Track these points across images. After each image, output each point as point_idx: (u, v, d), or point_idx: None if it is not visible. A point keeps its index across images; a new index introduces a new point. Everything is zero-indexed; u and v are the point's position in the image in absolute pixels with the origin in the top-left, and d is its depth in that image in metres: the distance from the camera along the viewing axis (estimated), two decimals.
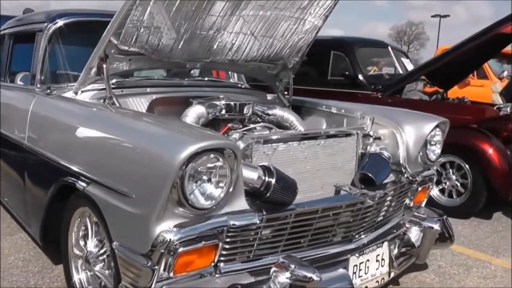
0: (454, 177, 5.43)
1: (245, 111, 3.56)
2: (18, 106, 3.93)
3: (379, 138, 3.42)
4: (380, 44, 7.18)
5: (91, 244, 2.93)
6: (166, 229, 2.23)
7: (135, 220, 2.35)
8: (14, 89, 4.24)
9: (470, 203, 5.38)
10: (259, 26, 3.72)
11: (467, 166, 5.30)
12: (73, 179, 2.84)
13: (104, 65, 3.24)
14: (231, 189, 2.35)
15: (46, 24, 3.95)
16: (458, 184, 5.43)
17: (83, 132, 2.94)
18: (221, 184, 2.31)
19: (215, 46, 3.66)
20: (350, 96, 6.30)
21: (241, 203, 2.45)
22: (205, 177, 2.27)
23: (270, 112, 3.65)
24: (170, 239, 2.20)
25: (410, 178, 3.34)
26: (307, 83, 7.00)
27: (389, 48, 6.95)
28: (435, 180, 3.64)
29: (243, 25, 3.65)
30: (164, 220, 2.24)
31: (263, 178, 2.49)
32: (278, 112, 3.68)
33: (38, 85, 3.80)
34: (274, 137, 2.84)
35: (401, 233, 3.34)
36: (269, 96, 4.51)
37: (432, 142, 3.49)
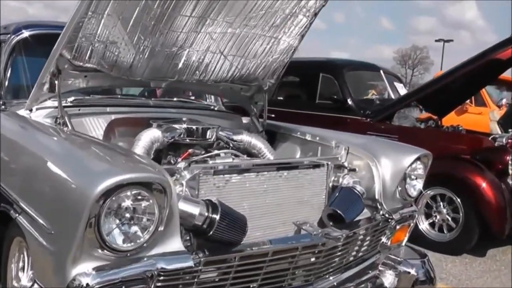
0: (445, 211, 5.08)
1: (208, 135, 3.25)
2: None
3: (353, 170, 3.11)
4: (371, 67, 6.87)
5: (25, 279, 2.62)
6: (84, 271, 1.93)
7: (53, 259, 2.06)
8: None
9: (462, 239, 5.02)
10: (229, 44, 3.44)
11: (458, 199, 4.96)
12: (7, 206, 2.54)
13: (56, 82, 2.96)
14: (161, 228, 2.04)
15: (9, 35, 3.72)
16: (449, 219, 5.08)
17: (18, 154, 2.65)
18: (147, 223, 2.00)
19: (180, 65, 3.38)
20: (338, 121, 6.04)
21: (175, 244, 2.13)
22: (127, 215, 1.97)
23: (235, 137, 3.34)
24: (86, 284, 1.90)
25: (386, 215, 3.01)
26: (295, 106, 6.77)
27: (381, 71, 6.64)
28: (416, 218, 3.29)
29: (210, 43, 3.37)
30: (81, 261, 1.94)
31: (206, 214, 2.19)
32: (245, 138, 3.37)
33: None
34: (226, 168, 2.53)
35: (374, 276, 3.00)
36: (245, 120, 4.21)
37: (412, 176, 3.16)
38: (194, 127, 3.21)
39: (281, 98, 7.29)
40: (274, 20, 3.42)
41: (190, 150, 3.13)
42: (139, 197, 1.96)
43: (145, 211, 1.99)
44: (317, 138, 3.50)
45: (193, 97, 4.42)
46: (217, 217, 2.18)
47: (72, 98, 3.31)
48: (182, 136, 3.15)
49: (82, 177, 1.99)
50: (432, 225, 5.22)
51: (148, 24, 2.99)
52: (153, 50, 3.16)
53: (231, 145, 3.35)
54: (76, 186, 1.95)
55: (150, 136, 2.96)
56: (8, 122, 3.12)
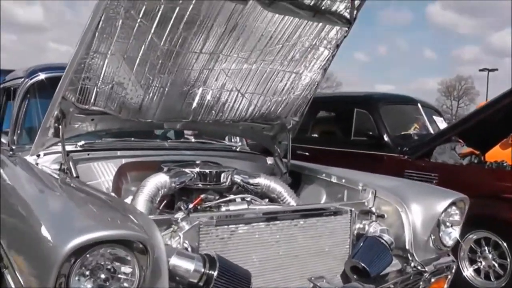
0: (490, 256, 4.62)
1: (222, 179, 3.02)
2: None
3: (381, 216, 2.82)
4: (408, 101, 6.50)
5: None
6: None
7: None
8: None
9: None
10: (246, 81, 3.25)
11: (505, 244, 4.50)
12: None
13: (60, 126, 2.82)
14: None
15: (23, 79, 3.67)
16: (496, 265, 4.61)
17: (13, 202, 2.47)
18: (125, 285, 1.76)
19: (194, 104, 3.19)
20: (374, 158, 5.72)
21: None
22: (102, 276, 1.74)
23: (252, 181, 3.10)
24: None
25: (419, 267, 2.69)
26: (330, 143, 6.49)
27: (419, 104, 6.28)
28: (454, 269, 2.93)
29: (225, 80, 3.18)
30: None
31: (202, 270, 1.97)
32: (263, 181, 3.12)
33: (8, 145, 3.45)
34: (230, 217, 2.29)
35: None
36: (270, 160, 3.96)
37: (447, 223, 2.83)
38: (207, 170, 2.98)
39: (316, 135, 7.02)
40: (293, 54, 3.21)
41: (202, 196, 2.90)
42: (117, 257, 1.73)
43: (124, 272, 1.76)
44: (343, 180, 3.22)
45: (213, 138, 4.20)
46: (215, 273, 1.96)
47: (82, 142, 3.19)
48: (193, 180, 2.94)
49: (58, 232, 1.79)
50: (477, 271, 4.74)
51: (156, 63, 2.83)
52: (163, 89, 2.99)
53: (248, 189, 3.11)
54: (50, 242, 1.74)
55: (156, 181, 2.75)
56: (9, 168, 2.99)
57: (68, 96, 2.74)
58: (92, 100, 2.83)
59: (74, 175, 2.83)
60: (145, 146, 3.44)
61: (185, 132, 4.23)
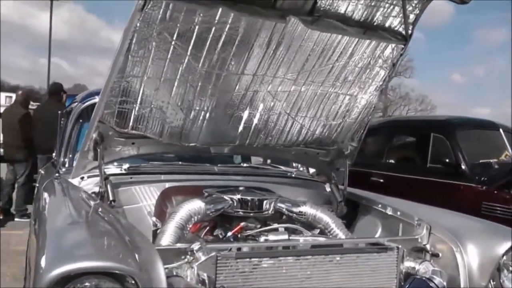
0: None
1: (264, 207, 2.85)
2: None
3: (436, 255, 2.53)
4: (488, 126, 6.00)
5: None
6: None
7: None
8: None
9: None
10: (295, 104, 3.08)
11: None
12: None
13: (99, 149, 2.79)
14: None
15: (77, 103, 3.77)
16: None
17: (40, 221, 2.45)
18: None
19: (240, 128, 3.06)
20: (450, 188, 5.30)
21: None
22: None
23: (295, 209, 2.90)
24: None
25: None
26: (406, 170, 6.12)
27: (501, 130, 5.76)
28: None
29: (274, 103, 3.03)
30: None
31: None
32: (308, 210, 2.91)
33: (57, 167, 3.53)
34: (253, 250, 2.11)
35: None
36: (328, 188, 3.74)
37: (511, 268, 2.47)
38: (248, 197, 2.83)
39: (392, 161, 6.67)
40: (345, 75, 3.00)
41: (242, 224, 2.76)
42: None
43: None
44: (398, 213, 2.95)
45: (268, 162, 4.05)
46: None
47: (126, 166, 3.16)
48: (233, 207, 2.79)
49: (49, 259, 1.69)
50: None
51: (195, 85, 2.74)
52: (205, 113, 2.90)
53: (292, 218, 2.92)
54: (41, 268, 1.65)
55: (189, 208, 2.63)
56: (50, 190, 3.01)
57: (106, 120, 2.70)
58: (130, 124, 2.78)
59: (111, 198, 2.78)
60: (191, 171, 3.34)
61: (252, 158, 4.13)
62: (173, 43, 2.52)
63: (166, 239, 2.46)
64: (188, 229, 2.60)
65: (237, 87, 2.85)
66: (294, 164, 4.06)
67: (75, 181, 3.04)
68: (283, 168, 3.98)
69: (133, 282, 1.62)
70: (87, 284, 1.61)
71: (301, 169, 4.04)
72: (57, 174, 3.27)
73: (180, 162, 3.41)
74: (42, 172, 4.54)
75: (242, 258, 2.06)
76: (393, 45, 2.90)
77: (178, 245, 2.29)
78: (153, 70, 2.60)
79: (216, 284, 1.98)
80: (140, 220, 2.93)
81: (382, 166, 6.38)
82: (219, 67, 2.70)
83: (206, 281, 1.98)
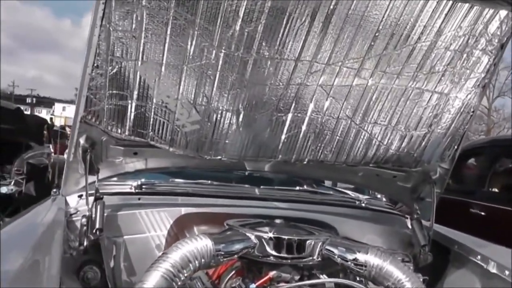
0: None
1: (306, 251, 1.98)
2: None
3: None
4: None
5: None
6: None
7: None
8: None
9: None
10: (360, 105, 2.20)
11: None
12: None
13: (87, 159, 2.09)
14: None
15: None
16: None
17: None
18: None
19: (283, 137, 2.23)
20: None
21: None
22: None
23: (351, 257, 1.98)
24: None
25: None
26: None
27: None
28: None
29: (329, 102, 2.18)
30: None
31: None
32: (372, 259, 1.97)
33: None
34: None
35: None
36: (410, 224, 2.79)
37: None
38: (284, 236, 1.97)
39: (496, 191, 5.49)
40: (431, 64, 2.10)
41: (272, 274, 1.92)
42: None
43: None
44: (507, 272, 1.97)
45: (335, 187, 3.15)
46: None
47: (136, 183, 2.44)
48: (261, 250, 1.95)
49: None
50: None
51: (212, 74, 1.96)
52: (231, 114, 2.09)
53: (349, 269, 2.02)
54: None
55: (189, 249, 1.80)
56: (39, 208, 2.32)
57: (92, 120, 1.98)
58: (128, 127, 2.04)
59: (97, 226, 2.04)
60: (220, 193, 2.54)
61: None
62: (172, 11, 1.76)
63: None
64: (184, 276, 1.76)
65: (273, 78, 2.03)
66: (369, 191, 3.14)
67: (73, 199, 2.34)
68: (351, 194, 3.07)
69: None
70: None
71: (378, 196, 3.12)
72: (54, 190, 2.57)
73: (208, 181, 2.62)
74: None
75: None
76: (504, 13, 1.95)
77: None
78: (148, 51, 1.88)
79: None
80: (146, 255, 2.22)
81: (484, 196, 5.24)
82: (244, 49, 1.90)
83: None
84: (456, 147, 2.40)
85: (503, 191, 5.52)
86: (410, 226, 2.71)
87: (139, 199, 2.40)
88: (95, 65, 1.85)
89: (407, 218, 2.82)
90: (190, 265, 1.77)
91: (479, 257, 2.19)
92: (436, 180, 2.53)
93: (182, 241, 1.83)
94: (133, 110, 2.01)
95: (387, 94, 2.17)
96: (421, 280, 2.05)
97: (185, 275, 1.75)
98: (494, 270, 2.07)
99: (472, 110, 2.26)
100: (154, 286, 1.65)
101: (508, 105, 37.54)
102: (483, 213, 5.15)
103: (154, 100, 1.99)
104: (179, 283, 1.72)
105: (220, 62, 1.93)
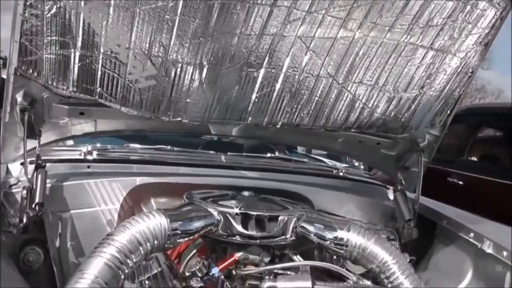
0: None
1: (278, 230, 1.72)
2: None
3: None
4: None
5: None
6: None
7: None
8: None
9: None
10: (344, 61, 1.90)
11: None
12: None
13: (25, 118, 1.79)
14: None
15: None
16: None
17: None
18: None
19: (253, 97, 1.92)
20: None
21: None
22: None
23: (331, 235, 1.72)
24: None
25: None
26: (493, 173, 4.82)
27: None
28: None
29: (308, 57, 1.87)
30: None
31: None
32: (354, 238, 1.71)
33: None
34: None
35: None
36: (391, 194, 2.56)
37: None
38: (252, 212, 1.70)
39: (475, 160, 5.34)
40: (429, 16, 1.80)
41: (238, 255, 1.65)
42: None
43: None
44: (504, 253, 1.73)
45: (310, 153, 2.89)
46: None
47: (84, 148, 2.17)
48: (225, 228, 1.68)
49: None
50: None
51: (171, 19, 1.64)
52: (194, 68, 1.78)
53: (327, 249, 1.76)
54: None
55: (142, 228, 1.52)
56: None
57: (28, 72, 1.66)
58: (72, 81, 1.72)
59: (37, 200, 1.74)
60: (182, 160, 2.25)
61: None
62: None
63: None
64: (133, 262, 1.47)
65: (244, 26, 1.71)
66: (347, 159, 2.89)
67: (15, 167, 2.06)
68: (327, 161, 2.80)
69: None
70: None
71: (356, 164, 2.87)
72: None
73: (167, 147, 2.32)
74: None
75: None
76: None
77: None
78: None
79: None
80: (96, 232, 1.93)
81: (463, 165, 5.08)
82: None
83: None
84: (449, 112, 2.14)
85: (481, 161, 5.37)
86: (392, 198, 2.49)
87: (88, 167, 2.17)
88: (28, 3, 1.53)
89: (388, 188, 2.60)
90: (141, 248, 1.49)
91: (471, 234, 1.97)
92: (424, 148, 2.29)
93: (131, 219, 1.55)
94: (76, 61, 1.69)
95: (376, 50, 1.88)
96: (408, 260, 1.82)
97: (134, 260, 1.47)
98: (489, 250, 1.86)
99: (470, 70, 1.98)
100: (95, 276, 1.36)
101: (481, 76, 37.58)
102: (461, 183, 5.01)
103: (102, 49, 1.67)
104: (126, 271, 1.44)
105: (180, 4, 1.60)
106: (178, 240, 1.59)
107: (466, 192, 4.83)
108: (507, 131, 5.29)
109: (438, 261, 2.12)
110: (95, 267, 1.38)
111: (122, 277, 1.42)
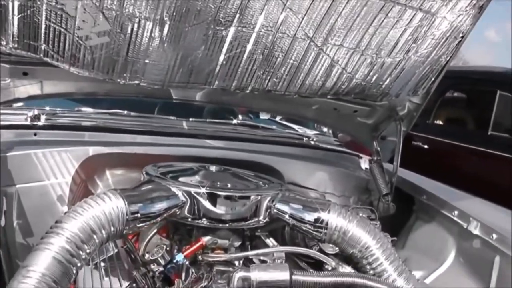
0: None
1: (250, 211, 1.54)
2: None
3: None
4: None
5: None
6: None
7: None
8: None
9: None
10: (324, 22, 1.70)
11: None
12: None
13: None
14: None
15: None
16: None
17: None
18: None
19: (221, 58, 1.70)
20: None
21: None
22: None
23: (308, 217, 1.55)
24: None
25: None
26: (458, 136, 4.77)
27: None
28: None
29: (283, 16, 1.65)
30: None
31: None
32: (334, 220, 1.54)
33: None
34: None
35: None
36: (365, 164, 2.42)
37: None
38: (221, 193, 1.51)
39: (441, 123, 5.29)
40: None
41: (205, 240, 1.47)
42: None
43: None
44: (494, 235, 1.61)
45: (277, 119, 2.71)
46: None
47: (30, 113, 1.95)
48: (191, 210, 1.49)
49: None
50: None
51: None
52: (154, 25, 1.54)
53: (303, 232, 1.60)
54: None
55: (96, 213, 1.30)
56: None
57: None
58: (11, 36, 1.46)
59: None
60: (139, 128, 2.03)
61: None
62: None
63: None
64: (87, 253, 1.26)
65: None
66: (315, 125, 2.73)
67: None
68: (297, 129, 2.63)
69: None
70: None
71: (325, 130, 2.71)
72: None
73: (123, 113, 2.09)
74: None
75: None
76: None
77: None
78: None
79: None
80: (46, 209, 1.77)
81: (429, 128, 5.02)
82: None
83: None
84: (433, 79, 2.00)
85: (447, 124, 5.33)
86: (364, 167, 2.36)
87: (34, 134, 1.95)
88: None
89: (361, 157, 2.46)
90: (95, 237, 1.28)
91: (455, 212, 1.84)
92: (403, 116, 2.14)
93: (83, 202, 1.33)
94: (15, 12, 1.43)
95: (360, 10, 1.68)
96: (390, 241, 1.67)
97: (88, 251, 1.26)
98: (476, 232, 1.73)
99: (461, 35, 1.82)
100: (43, 274, 1.15)
101: None
102: (426, 146, 4.97)
103: (49, 2, 1.41)
104: (79, 264, 1.23)
105: None
106: (138, 225, 1.39)
107: (430, 155, 4.80)
108: (473, 94, 5.24)
109: (417, 239, 2.00)
110: (42, 262, 1.16)
111: (74, 271, 1.21)
